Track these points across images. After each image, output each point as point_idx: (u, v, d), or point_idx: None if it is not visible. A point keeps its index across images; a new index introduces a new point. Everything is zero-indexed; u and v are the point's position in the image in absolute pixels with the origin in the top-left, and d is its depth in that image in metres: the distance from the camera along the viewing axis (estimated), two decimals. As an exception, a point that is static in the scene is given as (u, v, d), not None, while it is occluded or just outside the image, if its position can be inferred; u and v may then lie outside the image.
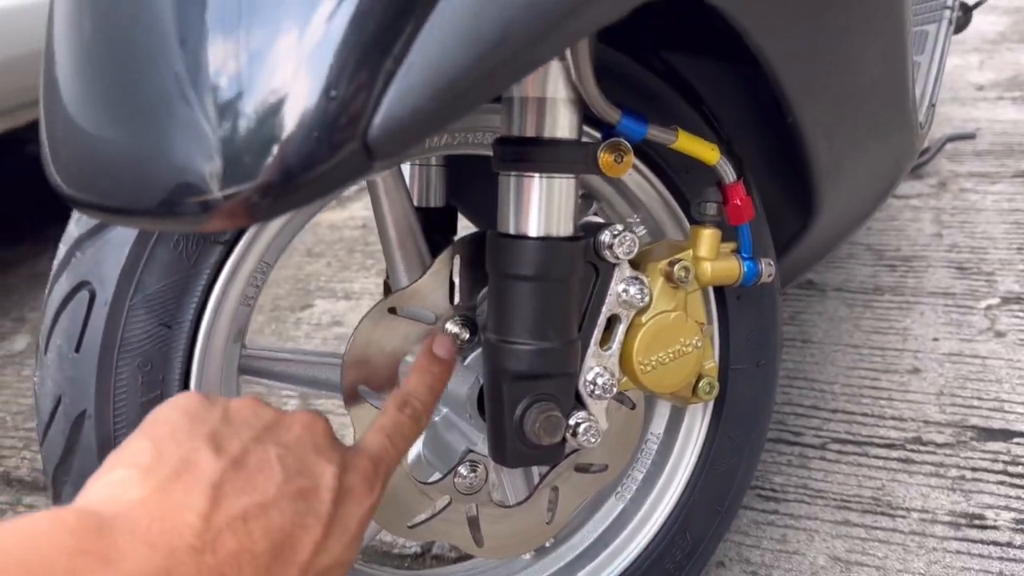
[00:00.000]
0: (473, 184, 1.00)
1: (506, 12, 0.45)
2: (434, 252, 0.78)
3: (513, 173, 0.68)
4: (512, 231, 0.68)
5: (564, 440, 0.72)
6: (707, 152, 0.76)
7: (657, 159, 0.83)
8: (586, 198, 0.90)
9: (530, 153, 0.67)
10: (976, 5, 2.02)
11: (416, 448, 0.83)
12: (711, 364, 0.83)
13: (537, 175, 0.67)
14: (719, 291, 0.90)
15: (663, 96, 0.81)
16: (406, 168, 0.97)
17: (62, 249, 0.68)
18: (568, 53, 0.63)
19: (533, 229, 0.67)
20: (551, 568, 0.94)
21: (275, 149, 0.44)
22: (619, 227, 0.72)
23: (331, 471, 0.53)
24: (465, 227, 0.95)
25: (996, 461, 1.22)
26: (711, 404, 0.93)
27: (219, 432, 0.51)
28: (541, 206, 0.67)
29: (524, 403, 0.69)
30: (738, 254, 0.82)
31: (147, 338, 0.67)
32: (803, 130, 0.79)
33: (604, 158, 0.70)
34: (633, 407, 0.85)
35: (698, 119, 0.83)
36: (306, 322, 1.87)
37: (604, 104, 0.67)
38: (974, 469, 1.21)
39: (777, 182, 0.94)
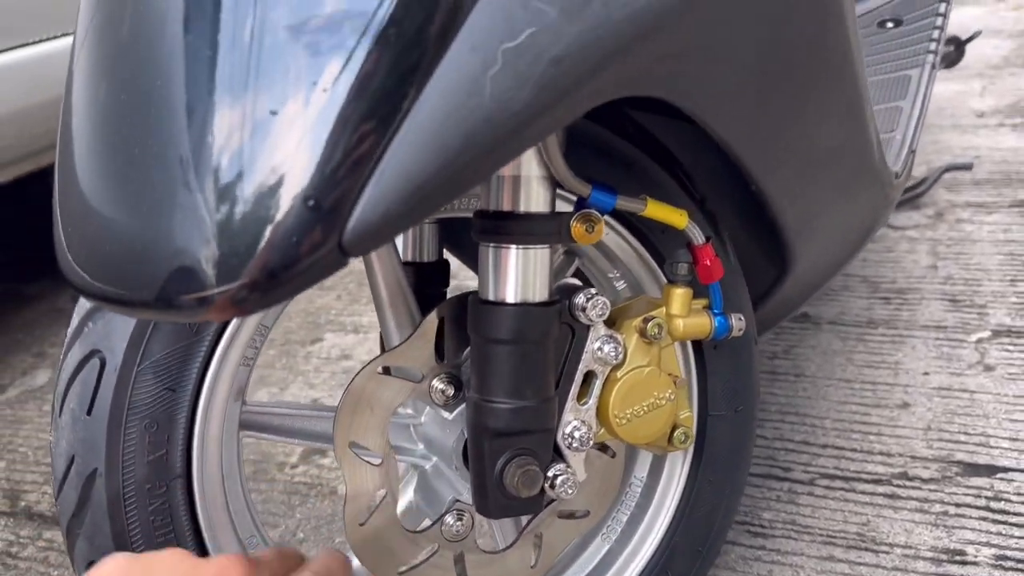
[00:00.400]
0: (467, 234, 1.05)
1: (466, 125, 0.50)
2: (428, 306, 0.82)
3: (492, 244, 0.73)
4: (492, 298, 0.73)
5: (543, 491, 0.77)
6: (676, 218, 0.81)
7: (634, 220, 0.88)
8: (568, 254, 0.95)
9: (506, 227, 0.72)
10: (969, 40, 2.06)
11: (407, 496, 0.88)
12: (687, 414, 0.87)
13: (514, 247, 0.72)
14: (696, 342, 0.95)
15: (638, 162, 0.86)
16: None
17: (75, 320, 0.74)
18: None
19: (511, 296, 0.73)
20: (540, 606, 0.98)
21: (259, 251, 0.49)
22: (592, 291, 0.77)
23: None
24: (458, 270, 0.99)
25: (979, 497, 1.25)
26: (691, 449, 0.98)
27: None
28: (518, 275, 0.72)
29: (504, 458, 0.74)
30: (709, 310, 0.86)
31: (153, 401, 0.72)
32: (767, 197, 0.84)
33: (576, 228, 0.75)
34: (613, 455, 0.90)
35: (672, 183, 0.88)
36: (315, 356, 1.93)
37: (574, 180, 0.73)
38: (957, 505, 1.24)
39: (753, 236, 0.99)
